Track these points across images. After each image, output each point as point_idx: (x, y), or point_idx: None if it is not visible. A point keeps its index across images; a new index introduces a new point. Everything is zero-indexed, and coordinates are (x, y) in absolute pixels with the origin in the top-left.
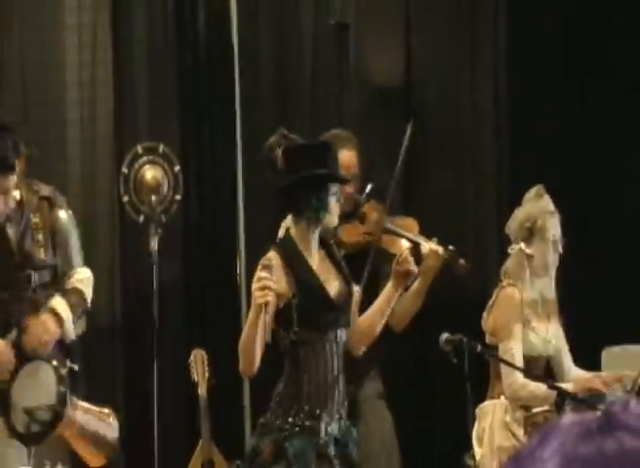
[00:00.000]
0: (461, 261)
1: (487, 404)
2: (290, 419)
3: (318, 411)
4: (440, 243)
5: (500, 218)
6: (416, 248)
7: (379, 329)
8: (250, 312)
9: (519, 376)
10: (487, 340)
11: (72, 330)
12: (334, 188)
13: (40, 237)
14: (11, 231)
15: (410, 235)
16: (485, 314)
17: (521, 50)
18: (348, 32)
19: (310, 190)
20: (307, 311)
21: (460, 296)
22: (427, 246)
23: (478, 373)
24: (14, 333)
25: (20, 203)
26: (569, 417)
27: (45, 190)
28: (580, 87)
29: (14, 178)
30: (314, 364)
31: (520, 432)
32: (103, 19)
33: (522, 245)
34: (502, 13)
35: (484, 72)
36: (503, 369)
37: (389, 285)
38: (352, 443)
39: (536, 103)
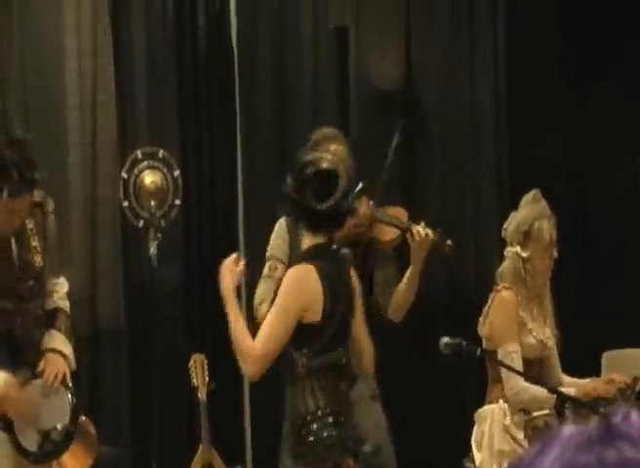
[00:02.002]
0: (448, 242)
1: (485, 408)
2: None
3: None
4: (428, 226)
5: (500, 217)
6: (405, 234)
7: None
8: None
9: (520, 380)
10: (484, 345)
11: (74, 360)
12: None
13: (36, 243)
14: (13, 240)
15: (398, 222)
16: (481, 319)
17: (520, 50)
18: (347, 36)
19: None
20: None
21: (460, 297)
22: (416, 230)
23: (477, 378)
24: (27, 374)
25: None
26: (569, 427)
27: (37, 195)
28: (578, 85)
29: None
30: None
31: (520, 436)
32: (103, 21)
33: (518, 248)
34: (501, 13)
35: (483, 73)
36: (504, 373)
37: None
38: None
39: (534, 103)
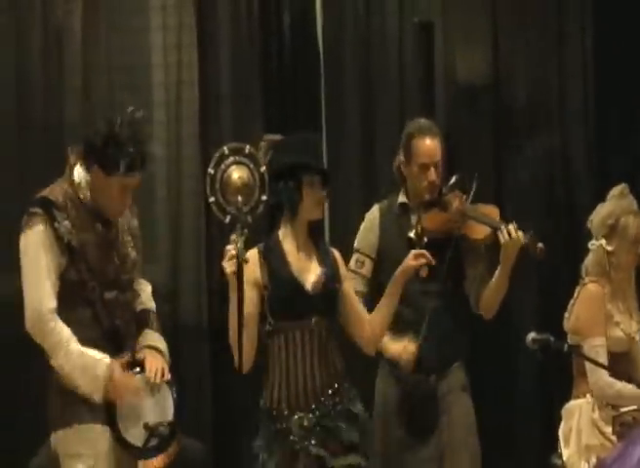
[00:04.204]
0: (540, 245)
1: (572, 403)
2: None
3: (286, 412)
4: (520, 228)
5: (589, 212)
6: (496, 233)
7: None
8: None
9: (604, 374)
10: (569, 340)
11: (168, 356)
12: (310, 178)
13: (128, 238)
14: (114, 232)
15: (489, 221)
16: (567, 313)
17: (609, 46)
18: (433, 30)
19: (282, 181)
20: (279, 300)
21: (548, 293)
22: (506, 230)
23: (563, 373)
24: (126, 356)
25: None
26: None
27: None
28: None
29: None
30: (285, 354)
31: (608, 430)
32: (189, 20)
33: (603, 241)
34: (589, 10)
35: (572, 69)
36: (588, 367)
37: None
38: (344, 422)
39: (624, 100)
